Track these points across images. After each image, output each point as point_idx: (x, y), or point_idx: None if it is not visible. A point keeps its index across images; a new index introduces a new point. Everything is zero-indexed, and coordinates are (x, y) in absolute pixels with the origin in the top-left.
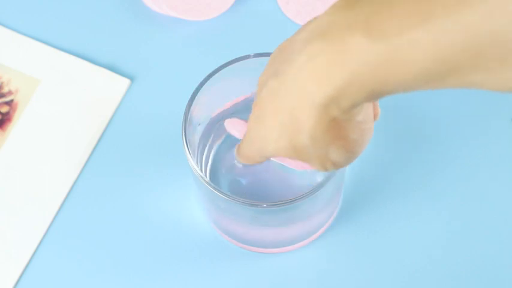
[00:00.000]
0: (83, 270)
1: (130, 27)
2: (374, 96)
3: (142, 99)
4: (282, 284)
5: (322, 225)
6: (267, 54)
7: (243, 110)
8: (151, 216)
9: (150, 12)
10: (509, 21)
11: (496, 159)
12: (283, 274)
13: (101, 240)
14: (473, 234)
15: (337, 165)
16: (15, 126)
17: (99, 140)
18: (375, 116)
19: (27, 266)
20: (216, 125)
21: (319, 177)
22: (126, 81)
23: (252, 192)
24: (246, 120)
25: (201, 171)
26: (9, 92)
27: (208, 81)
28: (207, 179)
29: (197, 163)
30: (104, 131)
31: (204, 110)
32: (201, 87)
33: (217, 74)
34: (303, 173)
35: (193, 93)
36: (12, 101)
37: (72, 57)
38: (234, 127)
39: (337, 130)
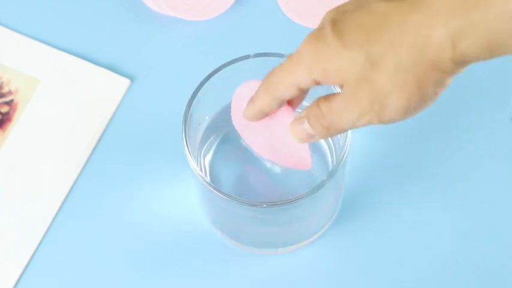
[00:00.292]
0: (82, 270)
1: (130, 27)
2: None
3: (142, 99)
4: (282, 284)
5: (322, 225)
6: (267, 54)
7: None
8: (151, 216)
9: (150, 12)
10: None
11: (496, 159)
12: (283, 274)
13: (101, 240)
14: (473, 234)
15: (392, 119)
16: (15, 126)
17: (99, 140)
18: None
19: (27, 266)
20: (216, 124)
21: (319, 177)
22: (126, 81)
23: (252, 192)
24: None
25: (201, 171)
26: (9, 92)
27: (208, 81)
28: (207, 179)
29: (197, 163)
30: (104, 131)
31: (204, 110)
32: (201, 87)
33: (217, 74)
34: (303, 173)
35: (193, 93)
36: (12, 101)
37: (72, 57)
38: (249, 93)
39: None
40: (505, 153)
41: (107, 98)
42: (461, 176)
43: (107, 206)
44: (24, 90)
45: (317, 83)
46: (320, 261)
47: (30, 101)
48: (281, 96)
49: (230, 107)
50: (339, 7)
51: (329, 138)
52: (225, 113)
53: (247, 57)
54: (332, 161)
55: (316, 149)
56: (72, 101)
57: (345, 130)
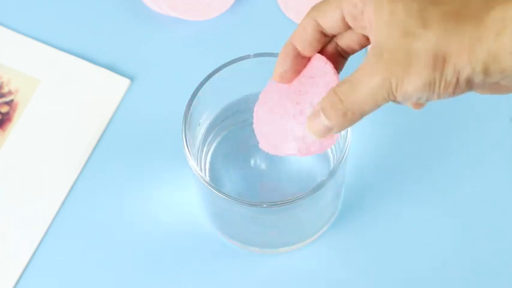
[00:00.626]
0: (82, 270)
1: (130, 27)
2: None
3: (142, 99)
4: (282, 284)
5: (322, 225)
6: (267, 54)
7: (244, 109)
8: (151, 216)
9: (150, 12)
10: None
11: (496, 159)
12: (283, 274)
13: (101, 240)
14: (473, 234)
15: (405, 98)
16: (15, 126)
17: (99, 140)
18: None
19: (27, 266)
20: (216, 125)
21: (319, 177)
22: (126, 81)
23: (252, 192)
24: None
25: (201, 171)
26: (9, 92)
27: (208, 81)
28: (207, 179)
29: (197, 163)
30: (104, 131)
31: (204, 110)
32: (201, 87)
33: (217, 74)
34: (303, 173)
35: (193, 93)
36: (12, 101)
37: (72, 57)
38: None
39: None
40: (504, 153)
41: (107, 98)
42: (461, 176)
43: (107, 206)
44: (24, 90)
45: (347, 26)
46: (320, 261)
47: (30, 101)
48: (320, 18)
49: (229, 110)
50: None
51: None
52: (225, 113)
53: (247, 57)
54: (332, 161)
55: None
56: (72, 101)
57: (362, 110)
